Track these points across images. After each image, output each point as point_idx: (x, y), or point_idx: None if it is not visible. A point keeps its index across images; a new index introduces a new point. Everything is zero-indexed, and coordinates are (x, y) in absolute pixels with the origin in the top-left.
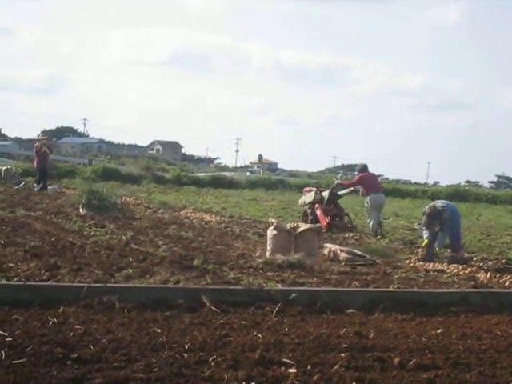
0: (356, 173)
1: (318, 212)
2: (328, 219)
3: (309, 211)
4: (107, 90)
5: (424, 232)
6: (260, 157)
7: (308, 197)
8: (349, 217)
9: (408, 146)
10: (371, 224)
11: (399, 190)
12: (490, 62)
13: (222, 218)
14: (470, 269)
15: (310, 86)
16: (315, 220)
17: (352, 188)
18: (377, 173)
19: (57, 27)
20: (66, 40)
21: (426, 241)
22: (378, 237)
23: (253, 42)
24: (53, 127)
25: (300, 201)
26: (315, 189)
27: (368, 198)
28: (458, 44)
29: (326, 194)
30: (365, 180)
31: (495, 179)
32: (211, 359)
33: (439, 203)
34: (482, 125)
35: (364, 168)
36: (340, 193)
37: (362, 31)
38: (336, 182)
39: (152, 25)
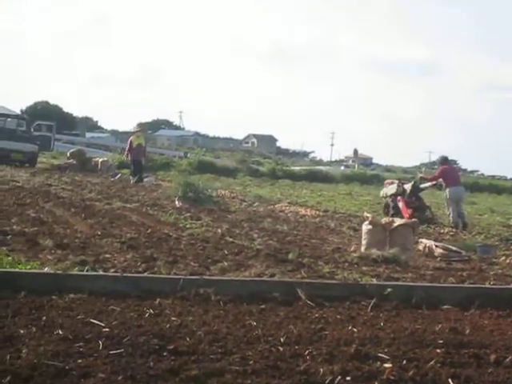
0: (436, 166)
1: (401, 204)
2: (410, 211)
3: (391, 203)
4: (203, 83)
5: None
6: (355, 151)
7: (390, 189)
8: (430, 210)
9: (505, 142)
10: (451, 216)
11: (495, 186)
12: None
13: (317, 212)
14: None
15: (406, 80)
16: (397, 212)
17: (434, 182)
18: (470, 169)
19: (155, 17)
20: (165, 31)
21: None
22: (460, 228)
23: (348, 36)
24: (149, 120)
25: (381, 193)
26: (397, 181)
27: (447, 190)
28: None
29: (408, 186)
30: (446, 172)
31: None
32: (306, 353)
33: None
34: None
35: (445, 160)
36: (422, 186)
37: (457, 23)
38: (419, 175)
39: (250, 18)
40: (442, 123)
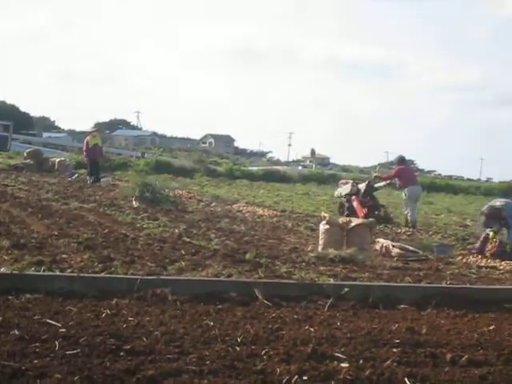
0: (396, 164)
1: (355, 203)
2: (365, 210)
3: (346, 203)
4: (161, 83)
5: (486, 231)
6: (312, 151)
7: (344, 189)
8: (385, 209)
9: (461, 142)
10: (409, 215)
11: (452, 186)
12: None
13: (275, 212)
14: None
15: (364, 81)
16: (352, 211)
17: (389, 181)
18: (427, 169)
19: (113, 19)
20: (123, 32)
21: (491, 233)
22: (415, 227)
23: (307, 37)
24: (106, 120)
25: (336, 193)
26: (351, 181)
27: (406, 189)
28: None
29: (362, 186)
30: (403, 172)
31: None
32: (263, 353)
33: (498, 202)
34: None
35: (402, 160)
36: (377, 185)
37: (417, 25)
38: (374, 174)
39: (209, 18)
40: (399, 123)
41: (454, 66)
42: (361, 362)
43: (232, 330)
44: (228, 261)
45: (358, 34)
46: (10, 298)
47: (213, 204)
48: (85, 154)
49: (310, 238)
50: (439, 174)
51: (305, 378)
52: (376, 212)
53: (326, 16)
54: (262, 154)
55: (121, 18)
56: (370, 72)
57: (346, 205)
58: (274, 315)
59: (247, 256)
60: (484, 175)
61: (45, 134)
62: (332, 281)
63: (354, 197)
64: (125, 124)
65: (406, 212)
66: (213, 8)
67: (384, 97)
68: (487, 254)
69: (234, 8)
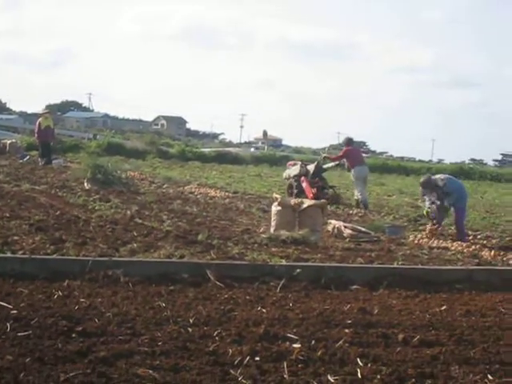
0: (343, 145)
1: (304, 184)
2: (314, 191)
3: (294, 184)
4: (113, 65)
5: (426, 203)
6: (264, 133)
7: (293, 170)
8: (334, 190)
9: (413, 124)
10: (360, 195)
11: (404, 168)
12: (498, 39)
13: (227, 194)
14: (474, 246)
15: (317, 62)
16: (301, 192)
17: (337, 162)
18: (379, 150)
19: (65, 0)
20: (74, 14)
21: (425, 210)
22: (366, 207)
23: (259, 17)
24: (58, 101)
25: (284, 174)
26: (300, 162)
27: (353, 170)
28: (469, 20)
29: (311, 167)
30: (350, 153)
31: (500, 157)
32: (215, 334)
33: (439, 176)
34: (487, 103)
35: (349, 141)
36: (325, 166)
37: (369, 6)
38: (323, 155)
39: (160, 1)
40: (352, 105)
41: (409, 48)
42: (313, 342)
43: (184, 311)
44: (180, 242)
45: (310, 15)
46: None
47: (165, 186)
48: (36, 135)
49: (262, 219)
50: (391, 156)
51: (257, 358)
52: (325, 192)
53: None
54: (214, 136)
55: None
56: (323, 53)
57: (295, 184)
58: (226, 296)
59: (199, 237)
60: (436, 156)
61: None
62: (284, 262)
63: (303, 178)
64: (76, 106)
65: (356, 193)
66: None
67: (337, 78)
68: (425, 234)
69: None
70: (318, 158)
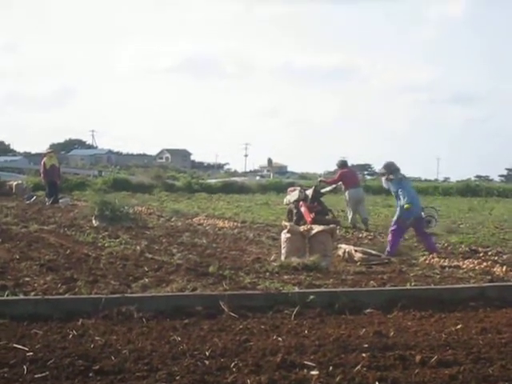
0: (337, 168)
1: (303, 209)
2: (312, 215)
3: (294, 209)
4: (114, 101)
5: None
6: (269, 160)
7: (293, 196)
8: (332, 213)
9: (417, 143)
10: (350, 217)
11: None
12: (498, 55)
13: (235, 224)
14: (485, 263)
15: (318, 87)
16: (300, 217)
17: (334, 185)
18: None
19: (62, 40)
20: (73, 53)
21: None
22: (362, 227)
23: (260, 46)
24: (61, 140)
25: (285, 200)
26: (299, 188)
27: (347, 192)
28: (467, 36)
29: (309, 192)
30: (345, 176)
31: (505, 172)
32: (233, 365)
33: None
34: (489, 119)
35: (344, 164)
36: (323, 190)
37: (367, 30)
38: (319, 179)
39: (161, 33)
40: (355, 128)
41: (408, 68)
42: (331, 368)
43: (200, 344)
44: (192, 275)
45: (309, 41)
46: None
47: (173, 219)
48: (42, 175)
49: (272, 247)
50: None
51: None
52: (323, 216)
53: (274, 24)
54: (220, 166)
55: (67, 39)
56: (325, 78)
57: (295, 211)
58: (241, 327)
59: (210, 269)
60: (441, 175)
61: (0, 158)
62: (297, 289)
63: (301, 202)
64: (80, 144)
65: (348, 214)
66: (159, 23)
67: (339, 102)
68: None
69: (179, 21)
70: (314, 183)
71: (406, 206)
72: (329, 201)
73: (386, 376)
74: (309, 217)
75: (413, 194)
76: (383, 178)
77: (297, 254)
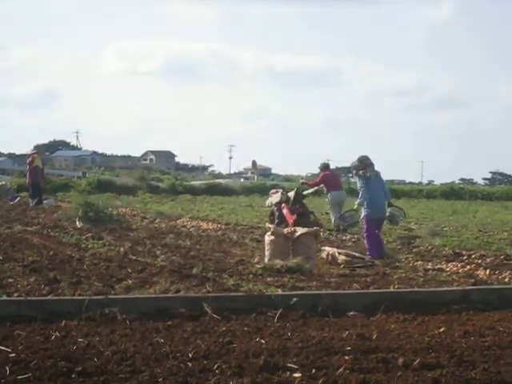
0: (320, 171)
1: (285, 211)
2: (294, 217)
3: (276, 212)
4: (98, 102)
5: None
6: (254, 163)
7: (275, 197)
8: (314, 215)
9: (401, 146)
10: (333, 219)
11: (394, 190)
12: (482, 59)
13: (219, 226)
14: (468, 266)
15: (302, 90)
16: (282, 219)
17: (316, 187)
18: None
19: (47, 41)
20: (57, 54)
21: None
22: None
23: (243, 48)
24: (45, 141)
25: (267, 202)
26: (281, 190)
27: (329, 195)
28: (450, 41)
29: (291, 194)
30: (327, 178)
31: (489, 176)
32: (216, 367)
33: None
34: (473, 122)
35: (326, 167)
36: (305, 192)
37: (352, 33)
38: (301, 181)
39: (144, 35)
40: (339, 130)
41: (392, 72)
42: (313, 371)
43: (183, 346)
44: (175, 276)
45: (292, 44)
46: None
47: (157, 220)
48: (28, 175)
49: (255, 249)
50: None
51: None
52: (305, 218)
53: (256, 27)
54: (204, 168)
55: (52, 40)
56: (309, 81)
57: (277, 213)
58: (224, 329)
59: (194, 271)
60: (425, 178)
61: None
62: (280, 291)
63: (283, 204)
64: (64, 145)
65: (331, 217)
66: (143, 24)
67: (324, 104)
68: None
69: (164, 22)
70: (297, 185)
71: (355, 206)
72: (312, 203)
73: (368, 379)
74: (291, 219)
75: (375, 195)
76: (354, 172)
77: (280, 256)
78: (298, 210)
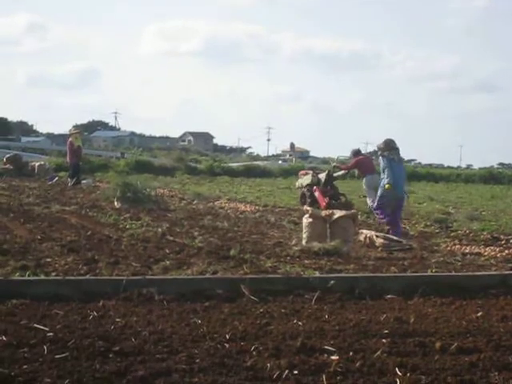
0: (351, 157)
1: (317, 193)
2: (327, 200)
3: (307, 193)
4: (138, 83)
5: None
6: (292, 145)
7: (305, 179)
8: (345, 197)
9: (440, 130)
10: (369, 202)
11: (432, 175)
12: None
13: (257, 208)
14: (507, 251)
15: (341, 73)
16: (313, 201)
17: (347, 171)
18: (407, 158)
19: (88, 21)
20: (97, 35)
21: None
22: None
23: (283, 30)
24: (84, 121)
25: (297, 183)
26: (311, 171)
27: (364, 179)
28: (492, 25)
29: (322, 176)
30: (360, 163)
31: None
32: (252, 348)
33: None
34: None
35: (358, 152)
36: (335, 175)
37: (391, 17)
38: (333, 164)
39: (184, 16)
40: (378, 114)
41: (430, 56)
42: (351, 353)
43: (220, 327)
44: (212, 258)
45: (332, 27)
46: None
47: (195, 202)
48: (69, 156)
49: (293, 231)
50: (419, 163)
51: (295, 372)
52: (337, 200)
53: (295, 8)
54: (242, 150)
55: (92, 20)
56: (347, 64)
57: (308, 194)
58: (261, 310)
59: (231, 252)
60: (464, 162)
61: (23, 139)
62: (317, 274)
63: (315, 187)
64: (103, 125)
65: (368, 201)
66: (183, 6)
67: (362, 88)
68: None
69: (204, 3)
70: (328, 167)
71: (386, 185)
72: (351, 187)
73: (406, 362)
74: (323, 201)
75: (398, 176)
76: (379, 153)
77: (318, 238)
78: (330, 192)
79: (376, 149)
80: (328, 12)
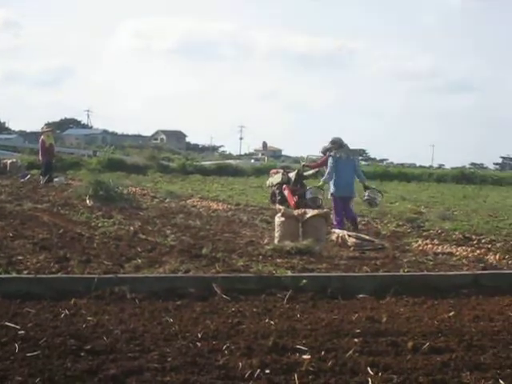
0: (322, 154)
1: (286, 192)
2: (296, 198)
3: (277, 192)
4: (110, 81)
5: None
6: (264, 144)
7: (275, 178)
8: None
9: (412, 130)
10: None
11: (404, 174)
12: (494, 43)
13: (229, 206)
14: (478, 251)
15: (315, 71)
16: (283, 200)
17: (317, 169)
18: (379, 158)
19: (60, 19)
20: (70, 32)
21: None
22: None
23: (257, 28)
24: (56, 119)
25: (267, 182)
26: (282, 170)
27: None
28: (463, 25)
29: (292, 175)
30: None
31: (500, 161)
32: (224, 347)
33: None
34: (485, 107)
35: (328, 150)
36: (305, 174)
37: (366, 15)
38: (302, 163)
39: (159, 13)
40: (351, 113)
41: (405, 55)
42: (322, 353)
43: (192, 326)
44: (185, 256)
45: (307, 24)
46: None
47: (167, 200)
48: (41, 154)
49: (265, 230)
50: (391, 163)
51: (267, 371)
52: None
53: (270, 7)
54: (214, 149)
55: (65, 18)
56: (322, 62)
57: (277, 193)
58: (233, 309)
59: (204, 251)
60: (436, 162)
61: None
62: (290, 273)
63: (284, 185)
64: (75, 123)
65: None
66: (156, 3)
67: (336, 87)
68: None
69: (177, 2)
70: (299, 166)
71: (320, 183)
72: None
73: (377, 361)
74: (292, 200)
75: (344, 174)
76: (327, 153)
77: (290, 237)
78: (299, 191)
79: (322, 150)
80: (303, 10)
